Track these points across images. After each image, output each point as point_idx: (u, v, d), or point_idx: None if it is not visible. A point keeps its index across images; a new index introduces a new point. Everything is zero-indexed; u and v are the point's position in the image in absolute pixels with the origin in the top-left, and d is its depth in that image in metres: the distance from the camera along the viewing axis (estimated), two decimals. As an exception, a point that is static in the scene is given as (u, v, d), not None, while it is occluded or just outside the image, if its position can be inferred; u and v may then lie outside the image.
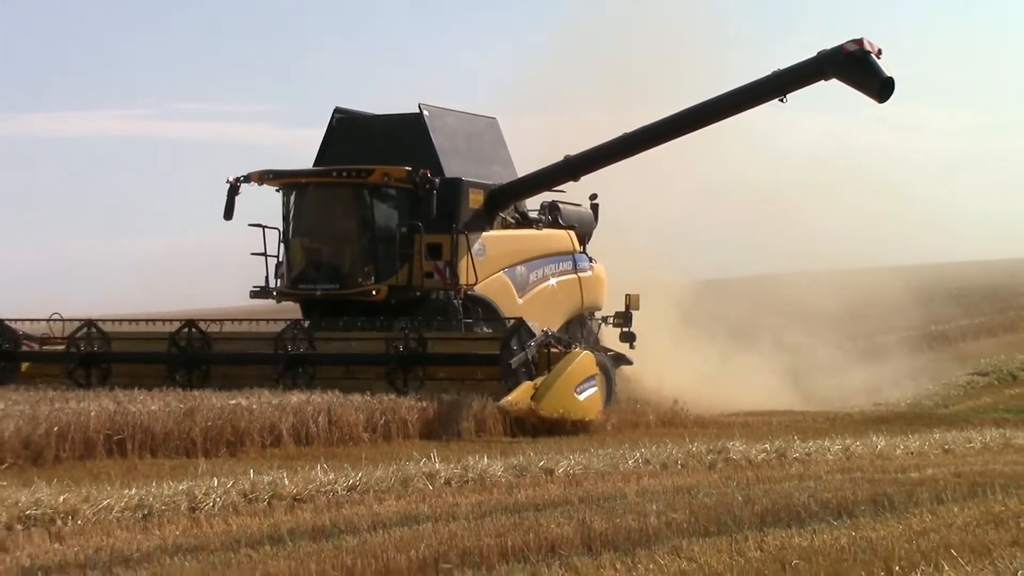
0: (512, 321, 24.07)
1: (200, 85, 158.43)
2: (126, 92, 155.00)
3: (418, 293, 26.63)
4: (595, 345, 29.04)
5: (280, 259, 27.42)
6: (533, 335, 23.29)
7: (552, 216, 29.83)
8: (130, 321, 28.59)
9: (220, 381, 23.61)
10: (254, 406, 19.74)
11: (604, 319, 30.87)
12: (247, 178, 27.13)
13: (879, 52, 25.21)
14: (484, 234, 27.50)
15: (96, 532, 11.83)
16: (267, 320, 26.81)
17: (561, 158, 28.12)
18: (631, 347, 30.25)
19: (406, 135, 27.81)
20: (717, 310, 40.51)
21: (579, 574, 9.94)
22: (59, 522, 12.17)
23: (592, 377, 23.55)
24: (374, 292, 26.35)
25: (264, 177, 27.07)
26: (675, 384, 28.53)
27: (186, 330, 25.46)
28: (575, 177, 28.56)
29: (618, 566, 10.20)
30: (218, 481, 14.04)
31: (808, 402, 32.81)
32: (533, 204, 29.91)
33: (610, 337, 30.67)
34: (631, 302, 30.69)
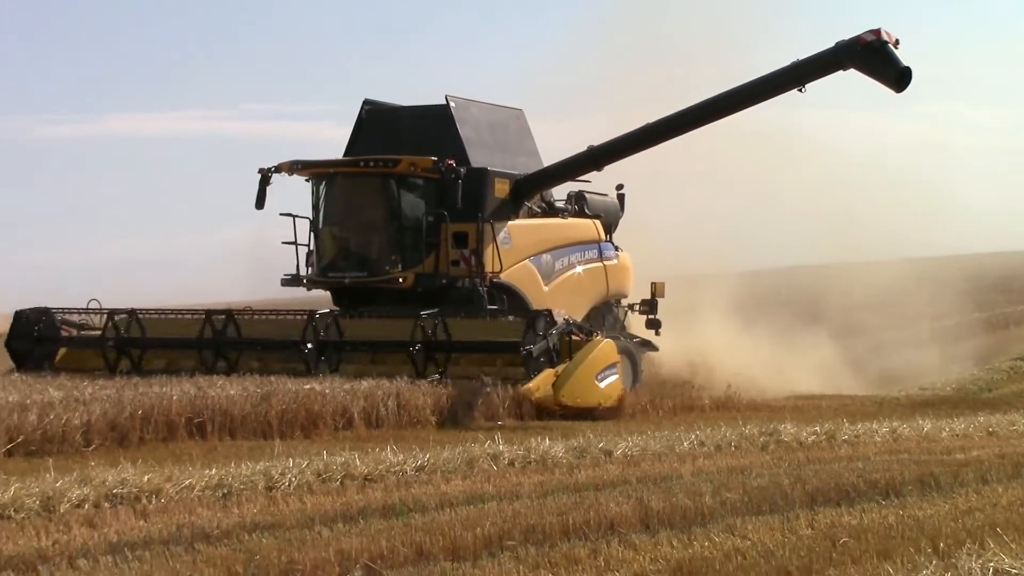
0: (534, 309, 23.75)
1: (271, 87, 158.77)
2: (206, 93, 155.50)
3: (444, 281, 26.21)
4: (621, 331, 28.82)
5: (310, 248, 27.08)
6: (554, 323, 22.81)
7: (578, 205, 29.38)
8: (165, 311, 27.94)
9: (250, 367, 23.14)
10: (327, 391, 19.79)
11: (630, 306, 30.35)
12: (278, 168, 26.78)
13: (896, 42, 24.62)
14: (510, 223, 26.99)
15: (178, 510, 11.91)
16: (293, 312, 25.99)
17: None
18: (656, 333, 29.75)
19: (433, 126, 27.37)
20: (773, 300, 40.27)
21: (637, 551, 9.93)
22: (144, 500, 12.25)
23: (613, 365, 23.15)
24: (401, 280, 25.98)
25: (294, 167, 26.73)
26: (733, 369, 28.29)
27: (216, 317, 25.03)
28: (599, 167, 28.11)
29: (674, 543, 10.20)
30: (293, 462, 14.09)
31: (861, 386, 32.62)
32: (560, 194, 29.55)
33: (638, 324, 30.25)
34: (656, 290, 30.20)
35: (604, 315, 29.23)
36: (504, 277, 26.50)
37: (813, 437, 17.86)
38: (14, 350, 26.47)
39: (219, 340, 24.64)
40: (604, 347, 23.11)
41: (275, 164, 26.75)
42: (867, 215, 47.55)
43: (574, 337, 23.03)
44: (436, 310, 24.03)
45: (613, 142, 27.31)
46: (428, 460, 14.62)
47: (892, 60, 24.51)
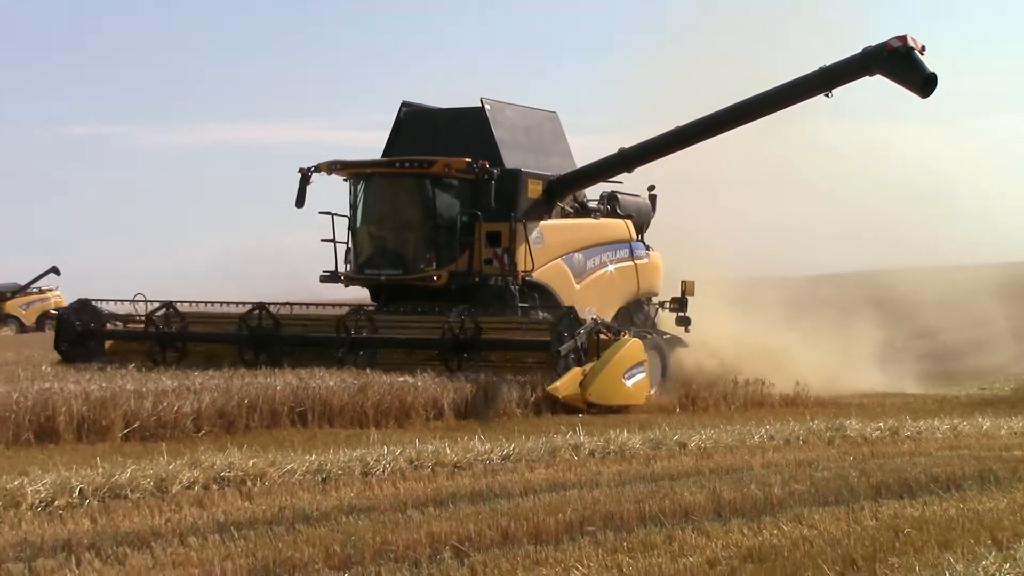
0: (562, 308, 23.06)
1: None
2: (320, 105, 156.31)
3: (476, 279, 25.40)
4: (651, 328, 28.09)
5: (348, 246, 26.30)
6: (583, 322, 22.09)
7: (611, 206, 28.45)
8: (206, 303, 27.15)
9: (288, 361, 22.57)
10: (419, 383, 19.83)
11: (661, 304, 29.36)
12: (317, 168, 25.97)
13: (923, 49, 23.72)
14: (542, 223, 26.10)
15: (281, 492, 11.98)
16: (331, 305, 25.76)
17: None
18: (686, 331, 28.87)
19: (468, 127, 26.49)
20: (844, 301, 39.70)
21: (710, 538, 9.90)
22: (249, 483, 12.33)
23: (641, 363, 22.35)
24: (435, 278, 25.20)
25: (333, 167, 25.95)
26: (803, 367, 27.83)
27: (256, 312, 24.50)
28: (629, 169, 27.20)
29: (745, 531, 10.16)
30: (387, 449, 14.15)
31: (923, 386, 32.20)
32: (593, 194, 28.83)
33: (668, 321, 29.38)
34: (687, 288, 29.23)
35: (635, 313, 28.60)
36: (536, 276, 25.76)
37: (877, 433, 17.70)
38: (60, 343, 25.80)
39: (258, 335, 24.13)
40: (632, 346, 22.35)
41: (315, 164, 26.14)
42: (942, 221, 46.71)
43: (602, 336, 22.31)
44: (466, 307, 23.35)
45: (643, 145, 26.59)
46: (513, 449, 14.63)
47: (918, 66, 23.70)
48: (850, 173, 41.86)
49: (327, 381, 19.24)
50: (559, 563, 8.98)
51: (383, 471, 13.13)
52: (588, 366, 21.42)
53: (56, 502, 11.08)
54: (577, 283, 26.70)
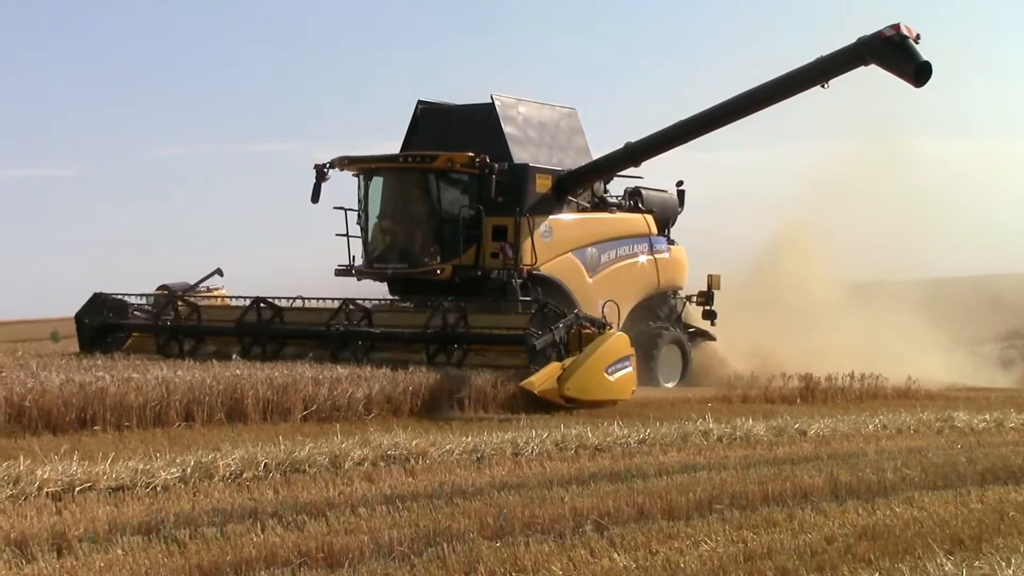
0: (539, 301, 20.92)
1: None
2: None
3: (479, 273, 23.38)
4: (676, 322, 26.46)
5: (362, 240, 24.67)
6: (561, 316, 19.84)
7: (633, 201, 26.42)
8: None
9: (291, 352, 21.36)
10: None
11: (688, 298, 27.30)
12: (331, 164, 24.26)
13: (917, 37, 21.81)
14: (551, 217, 24.08)
15: (440, 469, 12.05)
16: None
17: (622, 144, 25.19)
18: (712, 324, 27.16)
19: (480, 124, 24.57)
20: (959, 305, 38.40)
21: (827, 517, 9.80)
22: (412, 461, 12.40)
23: (626, 358, 19.87)
24: (439, 271, 23.40)
25: (342, 163, 24.24)
26: (923, 366, 26.92)
27: (257, 306, 22.66)
28: (636, 163, 25.17)
29: (860, 512, 10.03)
30: (536, 432, 14.17)
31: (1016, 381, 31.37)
32: (619, 189, 26.82)
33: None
34: (712, 282, 27.13)
35: (659, 306, 26.45)
36: (545, 270, 23.77)
37: (983, 424, 17.31)
38: (82, 336, 24.07)
39: (261, 328, 22.38)
40: (616, 340, 19.98)
41: (329, 160, 24.43)
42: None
43: (586, 330, 19.93)
44: (451, 300, 21.49)
45: (648, 139, 24.73)
46: (649, 434, 14.56)
47: (911, 54, 21.72)
48: (968, 186, 40.72)
49: (483, 372, 19.23)
50: (689, 537, 8.92)
51: (531, 452, 13.14)
52: (568, 360, 19.23)
53: (244, 475, 11.26)
54: (590, 277, 24.72)
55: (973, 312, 37.01)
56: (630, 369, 19.91)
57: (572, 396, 18.81)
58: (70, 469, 10.68)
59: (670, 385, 24.66)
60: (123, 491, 10.38)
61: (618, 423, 15.28)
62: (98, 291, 24.32)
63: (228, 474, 11.19)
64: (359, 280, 24.67)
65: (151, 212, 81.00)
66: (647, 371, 24.00)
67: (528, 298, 22.01)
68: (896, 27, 21.73)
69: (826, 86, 22.85)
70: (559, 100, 26.53)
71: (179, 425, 15.58)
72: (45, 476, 10.37)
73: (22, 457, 11.23)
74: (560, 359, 19.20)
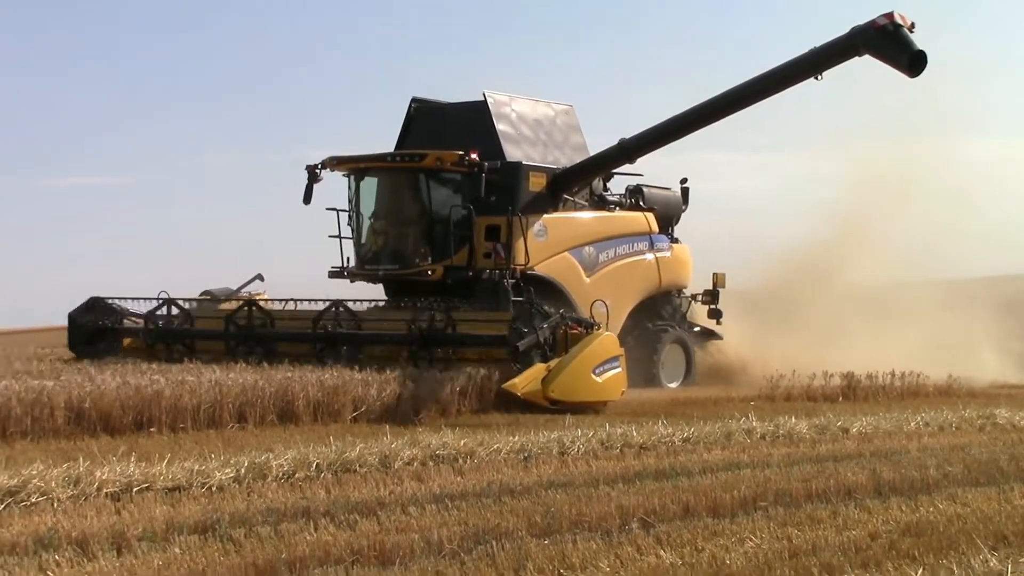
0: (522, 301, 19.97)
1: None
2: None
3: (471, 273, 22.40)
4: (680, 321, 25.74)
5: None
6: (546, 317, 18.99)
7: (634, 199, 25.51)
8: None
9: (279, 356, 20.00)
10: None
11: (693, 296, 26.48)
12: (323, 165, 23.29)
13: (912, 26, 20.82)
14: (546, 216, 23.08)
15: (488, 469, 12.05)
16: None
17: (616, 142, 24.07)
18: (718, 323, 26.50)
19: (472, 121, 23.49)
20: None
21: (871, 514, 9.73)
22: (461, 460, 12.42)
23: (615, 358, 19.08)
24: (430, 272, 22.39)
25: (332, 163, 23.29)
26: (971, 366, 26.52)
27: (246, 309, 21.78)
28: (630, 160, 24.18)
29: (903, 508, 9.96)
30: (581, 432, 14.15)
31: None
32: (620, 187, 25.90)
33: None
34: (718, 281, 26.40)
35: (662, 305, 25.62)
36: (540, 269, 22.77)
37: (1025, 421, 17.19)
38: (74, 340, 23.26)
39: (247, 332, 21.43)
40: (604, 340, 19.14)
41: (320, 161, 23.47)
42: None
43: (573, 331, 19.15)
44: (433, 301, 20.86)
45: (641, 135, 23.80)
46: (692, 433, 14.51)
47: (906, 43, 20.70)
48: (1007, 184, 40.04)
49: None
50: (734, 534, 8.89)
51: (578, 451, 13.12)
52: (554, 362, 18.52)
53: (296, 474, 11.30)
54: (587, 276, 23.69)
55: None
56: (619, 370, 19.19)
57: (557, 398, 18.19)
58: (128, 470, 10.76)
59: (673, 385, 24.15)
60: (179, 491, 10.44)
61: (663, 422, 15.24)
62: (95, 295, 23.54)
63: (281, 474, 11.23)
64: (352, 282, 23.93)
65: (195, 218, 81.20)
66: (649, 371, 23.73)
67: (520, 299, 20.83)
68: (890, 15, 20.85)
69: (820, 78, 21.98)
70: (567, 98, 25.79)
71: (232, 426, 15.67)
72: (104, 477, 10.46)
73: (81, 458, 11.32)
74: (546, 360, 18.52)
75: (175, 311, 22.68)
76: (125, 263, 68.58)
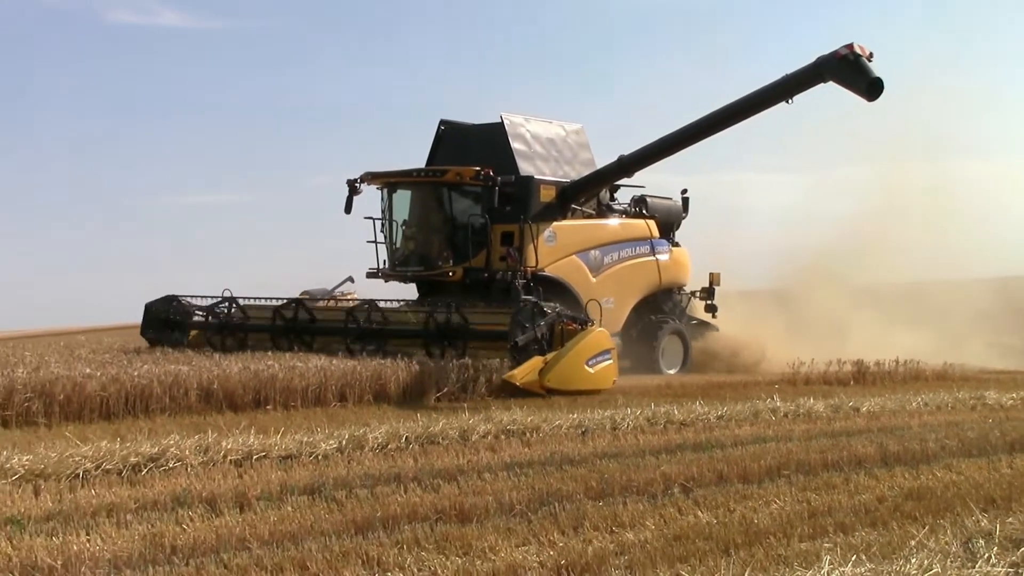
0: (522, 300, 19.42)
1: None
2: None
3: (487, 275, 22.16)
4: (680, 315, 25.42)
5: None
6: (544, 314, 18.47)
7: (638, 208, 25.06)
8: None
9: (319, 346, 20.22)
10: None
11: (692, 293, 25.97)
12: (360, 179, 23.14)
13: (870, 55, 20.27)
14: (555, 223, 22.71)
15: (551, 441, 12.06)
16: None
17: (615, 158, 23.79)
18: (714, 316, 25.96)
19: (492, 141, 23.31)
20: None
21: (878, 480, 9.68)
22: (528, 434, 12.44)
23: (607, 351, 18.55)
24: (451, 274, 22.29)
25: (367, 178, 23.14)
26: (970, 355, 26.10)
27: (293, 305, 21.55)
28: (629, 174, 23.77)
29: (906, 475, 9.90)
30: (631, 411, 14.14)
31: None
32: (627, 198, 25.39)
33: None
34: (714, 279, 25.87)
35: (663, 301, 25.03)
36: (550, 271, 22.44)
37: (1011, 401, 16.91)
38: (149, 331, 22.88)
39: (292, 326, 21.13)
40: (596, 335, 18.59)
41: (359, 175, 23.24)
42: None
43: (568, 327, 18.67)
44: (450, 300, 20.31)
45: (639, 152, 23.35)
46: (725, 411, 14.46)
47: (864, 71, 20.12)
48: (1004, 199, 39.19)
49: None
50: (761, 498, 8.86)
51: (627, 426, 13.11)
52: (551, 355, 18.00)
53: (389, 446, 11.37)
54: (594, 277, 23.27)
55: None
56: (610, 361, 18.70)
57: (553, 387, 17.64)
58: (248, 441, 10.89)
59: (672, 372, 23.69)
60: (291, 459, 10.55)
61: (700, 402, 15.18)
62: (170, 294, 23.20)
63: (376, 445, 11.30)
64: (386, 282, 23.66)
65: (302, 231, 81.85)
66: (650, 359, 23.50)
67: (530, 297, 20.25)
68: (850, 46, 20.41)
69: (790, 102, 21.51)
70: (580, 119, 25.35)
71: (335, 405, 15.77)
72: (229, 446, 10.59)
73: (210, 431, 11.50)
74: (543, 354, 17.99)
75: (233, 308, 22.43)
76: (253, 267, 69.45)
